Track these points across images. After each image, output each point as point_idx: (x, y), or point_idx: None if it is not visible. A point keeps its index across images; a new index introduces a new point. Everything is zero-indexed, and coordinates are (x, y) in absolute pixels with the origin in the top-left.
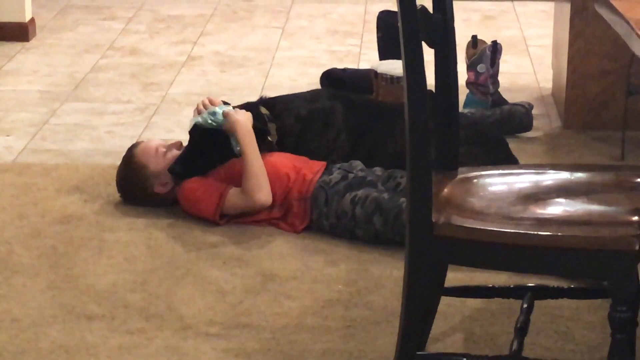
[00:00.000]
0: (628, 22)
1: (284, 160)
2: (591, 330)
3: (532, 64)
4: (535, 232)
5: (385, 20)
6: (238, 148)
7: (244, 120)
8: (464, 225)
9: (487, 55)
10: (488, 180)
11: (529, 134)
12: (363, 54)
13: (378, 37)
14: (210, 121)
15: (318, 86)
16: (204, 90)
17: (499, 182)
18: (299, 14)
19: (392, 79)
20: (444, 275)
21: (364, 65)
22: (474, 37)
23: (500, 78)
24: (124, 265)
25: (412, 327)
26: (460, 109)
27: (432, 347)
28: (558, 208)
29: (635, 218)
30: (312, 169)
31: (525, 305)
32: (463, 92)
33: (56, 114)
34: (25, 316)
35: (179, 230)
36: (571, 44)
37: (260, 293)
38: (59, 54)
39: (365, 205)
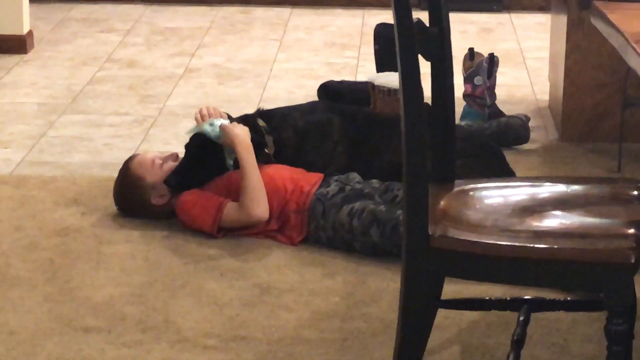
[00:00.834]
0: (623, 35)
1: (281, 173)
2: (587, 342)
3: (529, 76)
4: (532, 245)
5: (382, 32)
6: (231, 162)
7: (243, 134)
8: (461, 237)
9: (484, 67)
10: (485, 192)
11: (526, 146)
12: (360, 66)
13: (375, 50)
14: (208, 131)
15: (315, 98)
16: (201, 103)
17: (495, 195)
18: (296, 26)
19: (389, 91)
20: (441, 288)
21: (361, 77)
22: (471, 50)
23: (497, 90)
24: (121, 278)
25: (409, 340)
26: (457, 121)
27: None
28: (554, 221)
29: (632, 231)
30: (309, 181)
31: (521, 318)
32: (460, 105)
33: (54, 126)
34: (22, 329)
35: (176, 243)
36: (568, 57)
37: (257, 305)
38: (57, 67)
39: (362, 217)
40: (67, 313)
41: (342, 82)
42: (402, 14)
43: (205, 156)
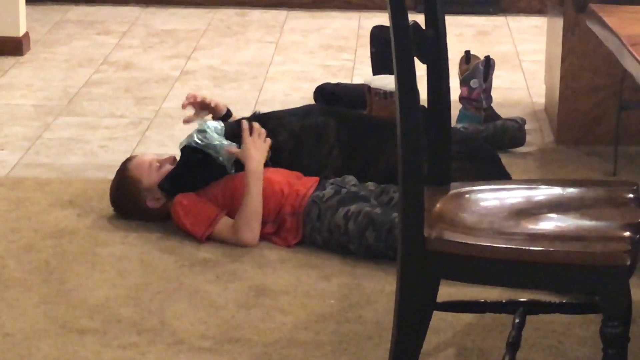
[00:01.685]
0: (619, 38)
1: (277, 176)
2: (583, 345)
3: (525, 79)
4: (527, 248)
5: (378, 35)
6: (231, 167)
7: (258, 158)
8: (456, 240)
9: (480, 70)
10: (480, 195)
11: (522, 149)
12: (356, 68)
13: (371, 52)
14: (199, 141)
15: (311, 101)
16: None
17: (491, 198)
18: (292, 28)
19: (385, 94)
20: (436, 290)
21: (357, 80)
22: (467, 53)
23: (493, 93)
24: (117, 280)
25: (405, 342)
26: (453, 124)
27: None
28: (550, 223)
29: (627, 233)
30: (305, 184)
31: (517, 320)
32: (456, 107)
33: (50, 128)
34: (17, 330)
35: (171, 245)
36: (564, 60)
37: (253, 307)
38: (53, 69)
39: (358, 220)
40: (63, 315)
41: (338, 85)
42: (398, 17)
43: (199, 162)
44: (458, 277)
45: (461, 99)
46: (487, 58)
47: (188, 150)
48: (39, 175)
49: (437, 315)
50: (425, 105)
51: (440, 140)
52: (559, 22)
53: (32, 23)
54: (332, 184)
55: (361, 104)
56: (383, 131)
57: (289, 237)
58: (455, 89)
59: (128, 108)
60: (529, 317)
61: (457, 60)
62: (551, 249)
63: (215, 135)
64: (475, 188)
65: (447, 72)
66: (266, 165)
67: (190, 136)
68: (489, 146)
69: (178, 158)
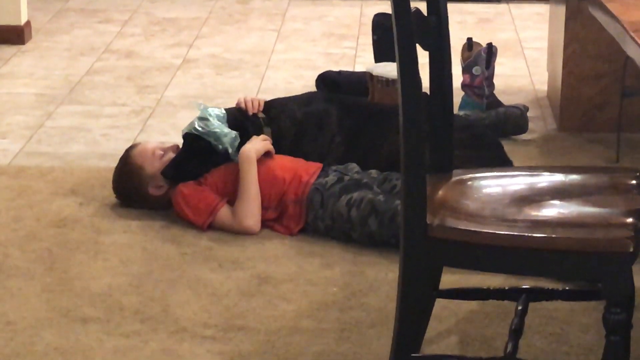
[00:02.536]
0: (622, 25)
1: (280, 163)
2: (586, 332)
3: (527, 66)
4: (530, 234)
5: (380, 22)
6: (235, 156)
7: (249, 146)
8: (459, 227)
9: (482, 57)
10: (483, 182)
11: (524, 137)
12: (358, 56)
13: (373, 40)
14: (199, 128)
15: (313, 89)
16: (199, 93)
17: (493, 185)
18: (294, 16)
19: (387, 82)
20: (439, 278)
21: (359, 67)
22: (470, 40)
23: (495, 80)
24: (119, 268)
25: (407, 330)
26: (456, 111)
27: (427, 349)
28: (552, 210)
29: (630, 220)
30: (308, 170)
31: (519, 307)
32: (458, 95)
33: (52, 116)
34: (20, 319)
35: (174, 233)
36: (566, 47)
37: (256, 295)
38: (55, 57)
39: (360, 207)
40: (65, 303)
41: (340, 73)
42: (400, 4)
43: (202, 149)
44: (460, 264)
45: (463, 86)
46: (490, 45)
47: (190, 137)
48: (41, 164)
49: (439, 303)
50: (428, 92)
51: (443, 128)
52: (561, 9)
53: (33, 12)
54: (335, 171)
55: (363, 91)
56: (385, 118)
57: (292, 224)
58: (457, 76)
59: (130, 96)
60: (531, 305)
61: (459, 48)
62: (554, 236)
63: (216, 123)
64: (477, 175)
65: (449, 60)
66: (267, 153)
67: (192, 123)
68: (491, 133)
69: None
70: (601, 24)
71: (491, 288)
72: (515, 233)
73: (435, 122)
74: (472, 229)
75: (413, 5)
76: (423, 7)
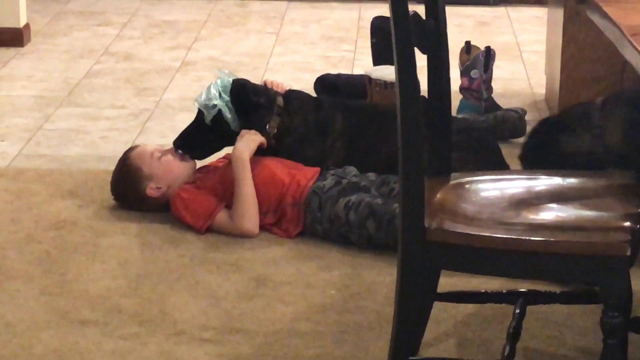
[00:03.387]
0: (620, 28)
1: (278, 166)
2: (583, 335)
3: (525, 69)
4: (528, 238)
5: (379, 26)
6: (237, 128)
7: (241, 147)
8: (457, 230)
9: (480, 60)
10: (480, 185)
11: (522, 140)
12: (357, 59)
13: (372, 43)
14: (200, 100)
15: (312, 92)
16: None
17: (491, 188)
18: (293, 19)
19: (386, 84)
20: (437, 281)
21: (357, 70)
22: (468, 43)
23: (493, 84)
24: (118, 271)
25: (405, 333)
26: (454, 114)
27: (425, 353)
28: (550, 213)
29: (627, 223)
30: (306, 175)
31: (517, 311)
32: (456, 98)
33: (50, 119)
34: (18, 321)
35: (172, 236)
36: (564, 50)
37: (254, 298)
38: (54, 60)
39: (358, 210)
40: (64, 306)
41: (338, 76)
42: (399, 7)
43: (212, 123)
44: (458, 267)
45: (461, 89)
46: (488, 48)
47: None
48: (39, 166)
49: (437, 306)
50: (426, 95)
51: (441, 131)
52: (559, 13)
53: (32, 14)
54: (332, 174)
55: (362, 94)
56: (384, 121)
57: (290, 227)
58: (455, 79)
59: (129, 99)
60: (529, 308)
61: (458, 51)
62: (551, 239)
63: (215, 95)
64: (475, 178)
65: (448, 63)
66: (269, 142)
67: (209, 91)
68: (489, 136)
69: None
70: (599, 28)
71: (489, 291)
72: (513, 236)
73: (433, 125)
74: (470, 232)
75: (411, 8)
76: (421, 11)
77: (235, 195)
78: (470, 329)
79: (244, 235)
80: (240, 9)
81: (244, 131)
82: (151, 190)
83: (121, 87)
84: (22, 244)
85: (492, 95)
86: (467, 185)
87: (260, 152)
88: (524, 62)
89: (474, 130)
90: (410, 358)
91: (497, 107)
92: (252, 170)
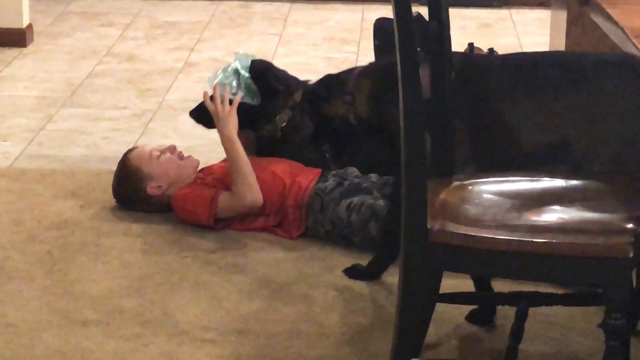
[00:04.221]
0: (623, 31)
1: (279, 168)
2: (585, 337)
3: None
4: (530, 240)
5: (382, 27)
6: (254, 100)
7: (223, 128)
8: (459, 232)
9: None
10: (483, 187)
11: None
12: (360, 61)
13: (375, 45)
14: (213, 77)
15: None
16: (200, 97)
17: (494, 189)
18: (296, 20)
19: None
20: (439, 282)
21: None
22: (471, 45)
23: None
24: (120, 271)
25: (407, 334)
26: None
27: (427, 354)
28: (553, 215)
29: (630, 226)
30: (307, 176)
31: (519, 312)
32: None
33: (53, 119)
34: (20, 321)
35: (174, 236)
36: None
37: (256, 299)
38: (56, 60)
39: (360, 211)
40: (66, 306)
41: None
42: (402, 9)
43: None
44: (461, 268)
45: None
46: (491, 50)
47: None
48: (42, 167)
49: (439, 307)
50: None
51: (443, 132)
52: (562, 15)
53: (35, 15)
54: (334, 175)
55: None
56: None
57: (292, 229)
58: None
59: (131, 100)
60: (531, 309)
61: None
62: (554, 241)
63: (231, 73)
64: (478, 180)
65: (451, 65)
66: (274, 133)
67: (226, 70)
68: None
69: (179, 148)
70: (603, 30)
71: (491, 293)
72: (516, 238)
73: (436, 127)
74: (473, 234)
75: (414, 10)
76: (425, 12)
77: (231, 174)
78: (472, 331)
79: (249, 209)
80: (243, 10)
81: (214, 112)
82: (152, 189)
83: (124, 88)
84: (24, 244)
85: None
86: (469, 187)
87: (262, 147)
88: None
89: None
90: (412, 359)
91: None
92: (253, 171)
